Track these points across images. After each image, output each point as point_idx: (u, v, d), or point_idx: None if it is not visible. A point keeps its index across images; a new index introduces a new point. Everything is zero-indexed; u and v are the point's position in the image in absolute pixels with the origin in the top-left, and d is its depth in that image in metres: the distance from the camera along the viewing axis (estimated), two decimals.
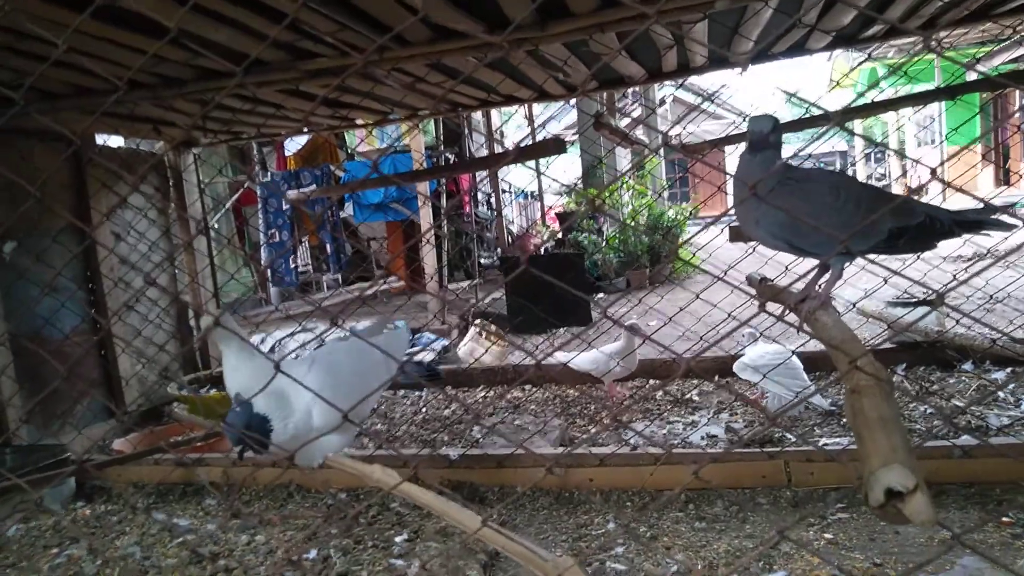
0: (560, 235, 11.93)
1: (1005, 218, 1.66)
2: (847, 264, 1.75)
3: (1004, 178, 14.42)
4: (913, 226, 1.65)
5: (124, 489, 2.92)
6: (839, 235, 1.63)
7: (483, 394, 4.01)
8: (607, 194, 11.07)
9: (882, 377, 1.09)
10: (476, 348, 4.28)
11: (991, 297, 3.48)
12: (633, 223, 11.20)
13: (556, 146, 3.29)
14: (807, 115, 3.36)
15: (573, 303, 3.79)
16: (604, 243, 11.01)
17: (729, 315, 2.92)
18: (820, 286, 1.74)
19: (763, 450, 2.61)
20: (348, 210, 10.09)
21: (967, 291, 5.17)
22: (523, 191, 15.07)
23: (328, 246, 9.99)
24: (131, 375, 3.86)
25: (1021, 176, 12.53)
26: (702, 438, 3.07)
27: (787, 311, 1.85)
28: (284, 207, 9.58)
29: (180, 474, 2.99)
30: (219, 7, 2.22)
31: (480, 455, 2.77)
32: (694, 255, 11.28)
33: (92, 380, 3.72)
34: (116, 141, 5.02)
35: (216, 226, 9.58)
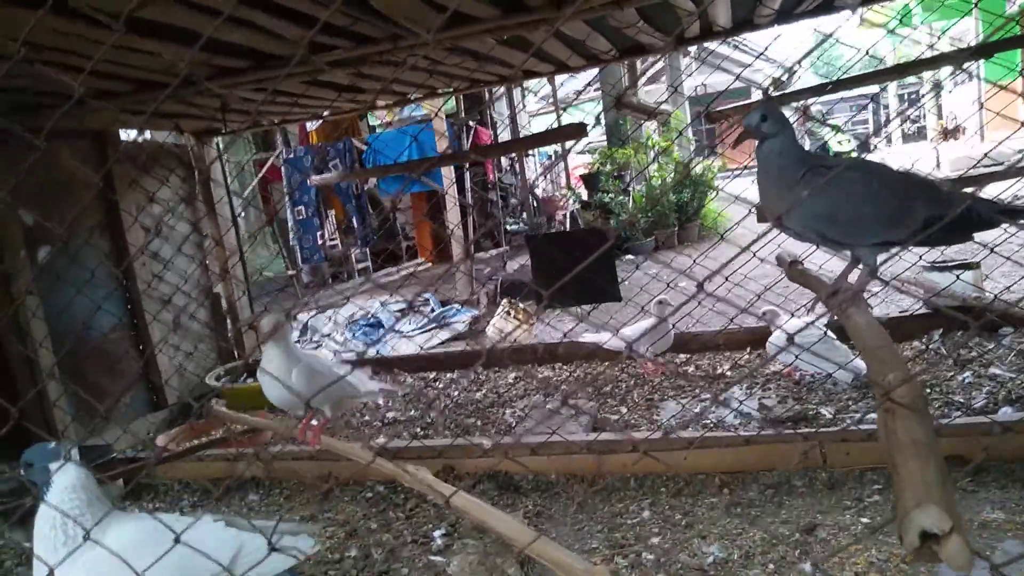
0: (585, 198, 11.82)
1: None
2: (881, 256, 1.69)
3: None
4: (951, 216, 1.59)
5: (171, 486, 3.02)
6: (874, 225, 1.58)
7: (513, 375, 4.03)
8: (631, 152, 10.90)
9: (916, 408, 1.06)
10: (505, 327, 4.29)
11: None
12: (660, 181, 11.03)
13: (577, 130, 3.23)
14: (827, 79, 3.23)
15: (603, 279, 3.75)
16: (631, 202, 10.89)
17: (760, 293, 2.88)
18: (852, 280, 1.70)
19: (797, 431, 2.60)
20: (372, 182, 10.10)
21: (1008, 250, 5.04)
22: (547, 152, 14.90)
23: (355, 219, 10.04)
24: (170, 371, 3.95)
25: None
26: (735, 416, 3.06)
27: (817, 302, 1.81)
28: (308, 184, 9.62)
29: (222, 469, 3.07)
30: (236, 12, 2.20)
31: (513, 443, 2.79)
32: (721, 213, 11.12)
33: (132, 377, 3.81)
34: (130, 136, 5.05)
35: (242, 212, 9.67)
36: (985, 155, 3.25)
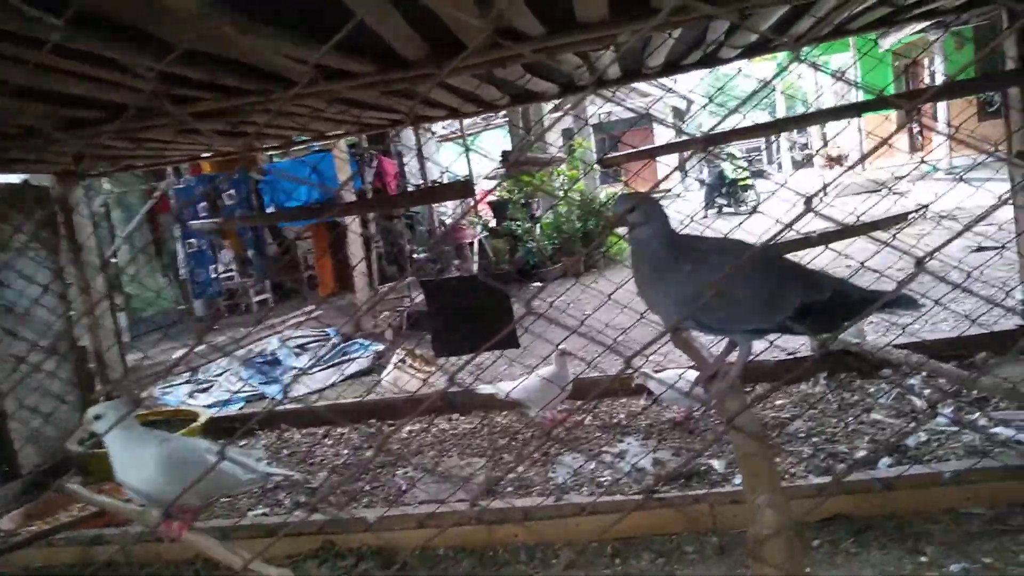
0: (493, 225, 11.80)
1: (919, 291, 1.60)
2: (756, 340, 1.67)
3: (917, 144, 14.92)
4: (822, 302, 1.58)
5: None
6: (747, 312, 1.55)
7: (408, 429, 3.87)
8: (539, 181, 10.97)
9: (784, 527, 1.00)
10: (401, 376, 4.13)
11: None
12: (566, 208, 11.14)
13: (464, 190, 3.14)
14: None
15: (501, 325, 3.66)
16: (538, 230, 10.95)
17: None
18: (728, 366, 1.66)
19: (687, 494, 2.56)
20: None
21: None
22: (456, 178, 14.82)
23: (252, 251, 9.63)
24: (24, 436, 3.57)
25: (932, 140, 12.99)
26: (630, 472, 3.01)
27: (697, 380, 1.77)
28: (201, 213, 9.16)
29: (75, 555, 2.76)
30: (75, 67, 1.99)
31: (400, 515, 2.64)
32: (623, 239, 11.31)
33: None
34: None
35: (124, 247, 9.05)
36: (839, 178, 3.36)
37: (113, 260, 8.63)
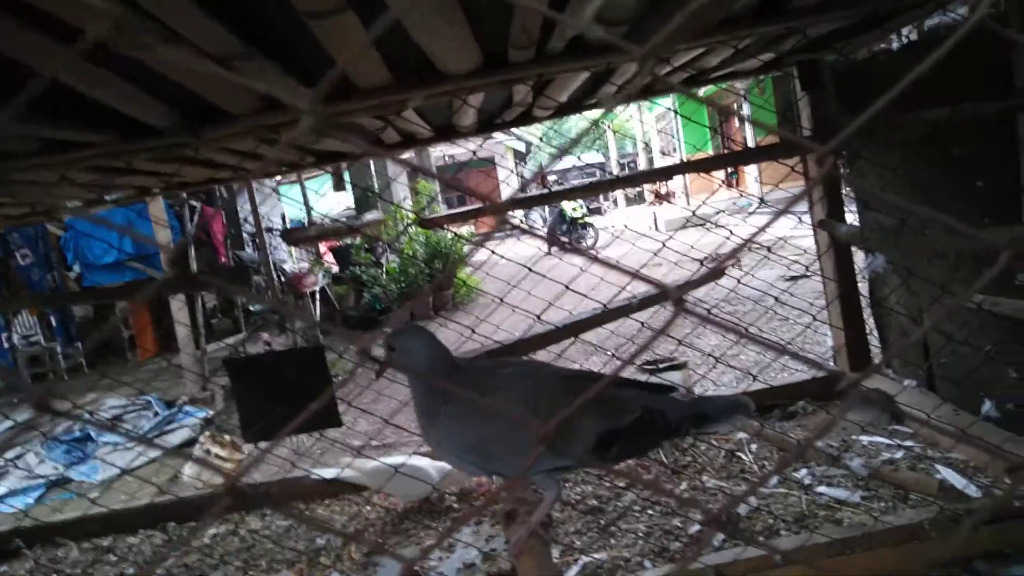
0: (336, 271, 11.29)
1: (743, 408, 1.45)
2: (561, 479, 1.45)
3: (732, 180, 16.08)
4: (628, 426, 1.39)
5: None
6: (537, 453, 1.32)
7: (213, 531, 3.36)
8: (382, 226, 10.64)
9: None
10: (205, 468, 3.61)
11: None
12: (412, 252, 10.87)
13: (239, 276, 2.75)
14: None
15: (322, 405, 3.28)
16: (384, 274, 10.57)
17: None
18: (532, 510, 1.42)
19: None
20: (76, 270, 8.69)
21: (707, 346, 5.41)
22: (299, 219, 14.12)
23: (52, 316, 8.52)
24: None
25: (745, 175, 14.02)
26: (459, 570, 2.73)
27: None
28: None
29: None
30: None
31: None
32: (472, 275, 11.22)
33: None
34: None
35: None
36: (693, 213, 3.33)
37: None
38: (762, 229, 0.58)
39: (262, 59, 1.58)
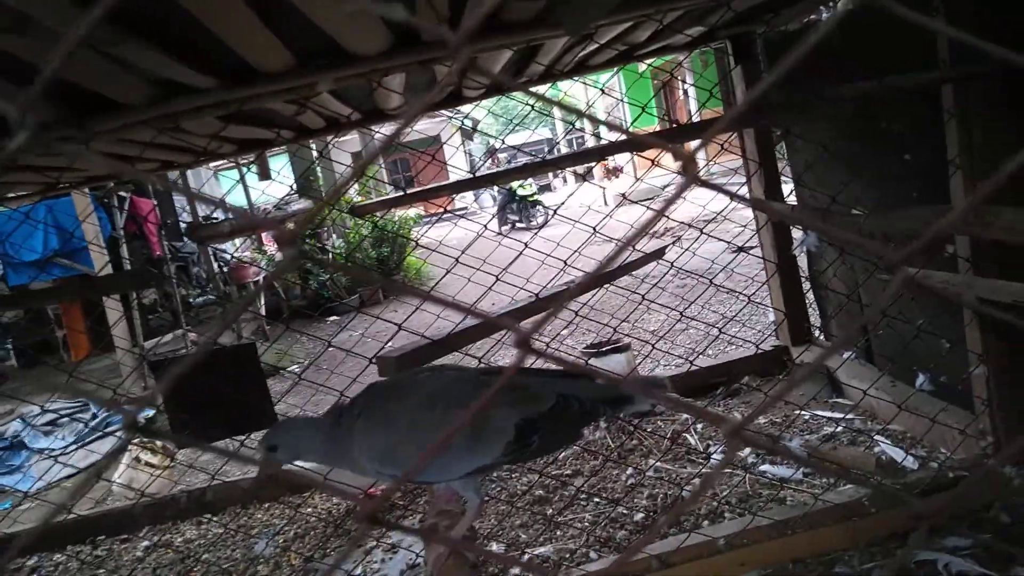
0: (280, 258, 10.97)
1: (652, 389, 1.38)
2: (482, 482, 1.36)
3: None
4: (544, 414, 1.31)
5: None
6: (451, 456, 1.24)
7: (145, 544, 3.21)
8: (326, 210, 10.36)
9: None
10: (136, 476, 3.44)
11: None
12: (358, 236, 10.63)
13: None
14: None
15: (256, 403, 3.13)
16: (331, 260, 10.34)
17: None
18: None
19: None
20: None
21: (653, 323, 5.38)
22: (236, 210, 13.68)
23: None
24: None
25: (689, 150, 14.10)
26: (402, 571, 2.64)
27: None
28: None
29: None
30: None
31: None
32: (424, 263, 11.07)
33: None
34: None
35: None
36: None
37: None
38: (669, 203, 0.49)
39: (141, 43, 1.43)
